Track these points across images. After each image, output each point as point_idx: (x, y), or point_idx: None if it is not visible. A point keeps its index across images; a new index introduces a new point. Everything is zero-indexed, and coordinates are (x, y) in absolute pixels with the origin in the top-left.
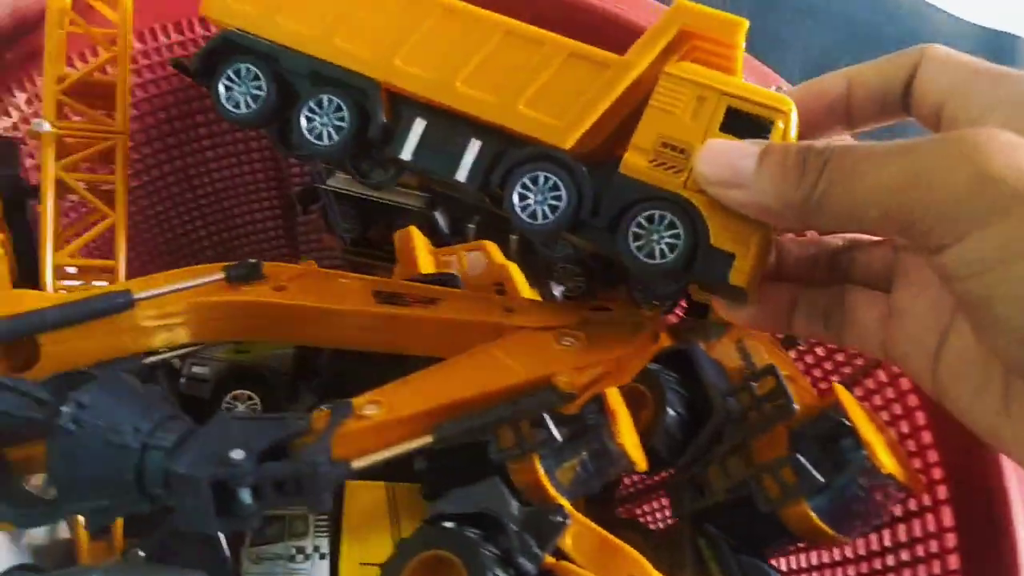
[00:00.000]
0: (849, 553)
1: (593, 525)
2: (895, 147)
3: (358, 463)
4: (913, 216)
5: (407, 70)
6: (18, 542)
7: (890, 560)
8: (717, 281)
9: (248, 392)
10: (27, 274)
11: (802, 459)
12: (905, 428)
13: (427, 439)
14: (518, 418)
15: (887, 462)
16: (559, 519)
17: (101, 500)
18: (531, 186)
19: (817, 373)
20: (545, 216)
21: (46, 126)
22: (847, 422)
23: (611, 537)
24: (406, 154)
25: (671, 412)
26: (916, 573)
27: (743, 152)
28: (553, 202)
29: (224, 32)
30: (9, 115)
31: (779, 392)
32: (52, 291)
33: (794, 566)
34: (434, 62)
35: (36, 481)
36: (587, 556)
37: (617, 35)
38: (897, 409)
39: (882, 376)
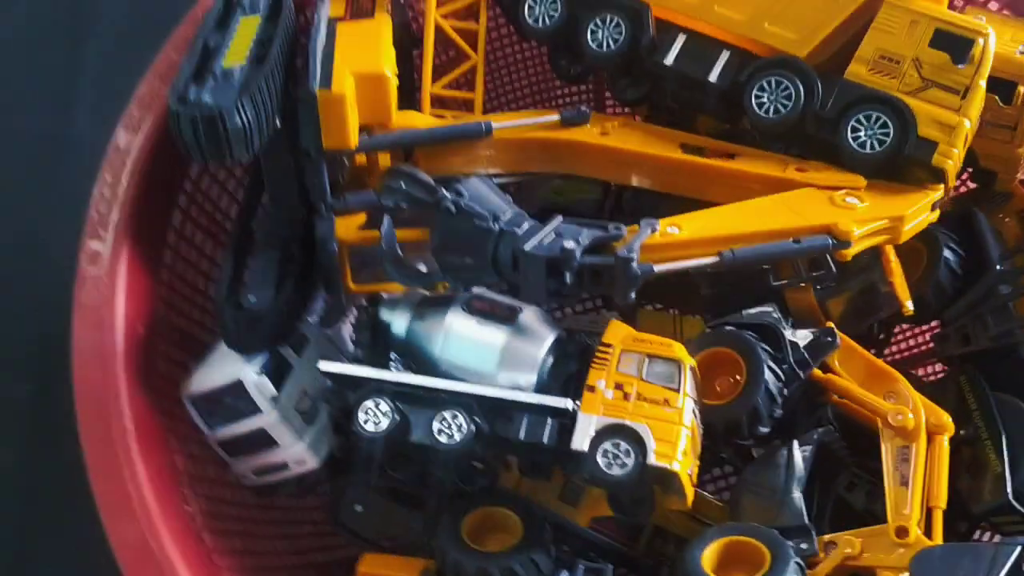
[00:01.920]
0: None
1: (860, 348)
2: None
3: (659, 268)
4: None
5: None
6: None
7: None
8: (924, 164)
9: None
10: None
11: None
12: None
13: (714, 259)
14: (797, 255)
15: None
16: (829, 339)
17: (465, 271)
18: (767, 88)
19: None
20: (776, 111)
21: None
22: None
23: (877, 360)
24: (669, 60)
25: (944, 268)
26: None
27: None
28: (784, 101)
29: None
30: None
31: None
32: (428, 115)
33: None
34: None
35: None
36: (853, 373)
37: None
38: None
39: None
